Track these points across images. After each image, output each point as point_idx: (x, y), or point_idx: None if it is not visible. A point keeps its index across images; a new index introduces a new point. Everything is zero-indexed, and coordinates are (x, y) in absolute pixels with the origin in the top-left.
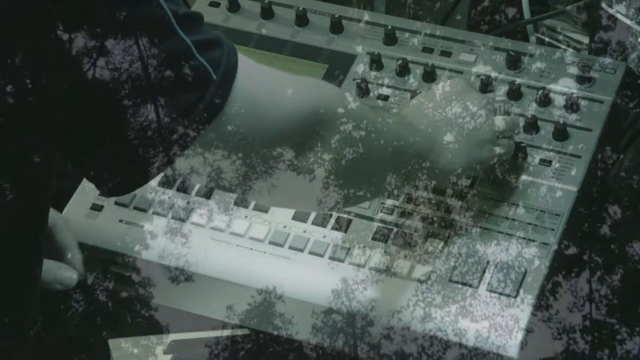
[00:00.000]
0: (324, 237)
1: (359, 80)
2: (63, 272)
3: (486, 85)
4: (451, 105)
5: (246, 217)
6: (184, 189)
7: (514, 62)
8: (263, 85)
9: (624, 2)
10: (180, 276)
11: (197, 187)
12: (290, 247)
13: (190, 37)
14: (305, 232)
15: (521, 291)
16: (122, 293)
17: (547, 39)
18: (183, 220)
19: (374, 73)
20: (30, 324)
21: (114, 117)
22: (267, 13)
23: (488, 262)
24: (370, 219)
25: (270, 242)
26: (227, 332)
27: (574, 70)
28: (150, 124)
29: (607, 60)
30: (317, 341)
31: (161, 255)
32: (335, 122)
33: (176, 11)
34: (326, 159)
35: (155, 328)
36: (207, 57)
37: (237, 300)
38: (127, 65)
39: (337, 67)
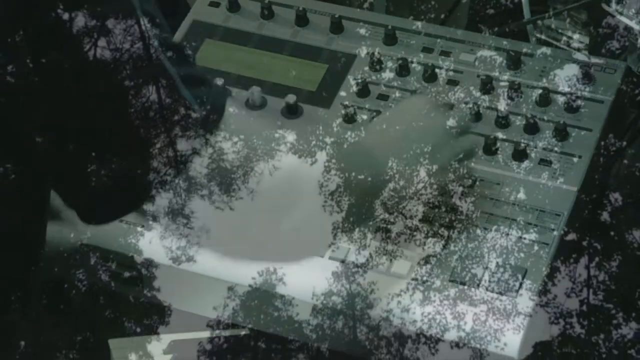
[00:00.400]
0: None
1: (359, 80)
2: None
3: (486, 85)
4: (408, 128)
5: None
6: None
7: (514, 62)
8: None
9: (624, 2)
10: (180, 275)
11: (197, 187)
12: None
13: (177, 70)
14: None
15: (521, 291)
16: (122, 292)
17: (547, 39)
18: (183, 220)
19: (374, 73)
20: (35, 301)
21: (93, 144)
22: (267, 13)
23: (488, 262)
24: (371, 218)
25: None
26: (226, 333)
27: (574, 70)
28: (129, 157)
29: (607, 60)
30: (317, 341)
31: (161, 254)
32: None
33: (165, 39)
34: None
35: (155, 328)
36: (193, 93)
37: (237, 300)
38: (111, 91)
39: (337, 67)
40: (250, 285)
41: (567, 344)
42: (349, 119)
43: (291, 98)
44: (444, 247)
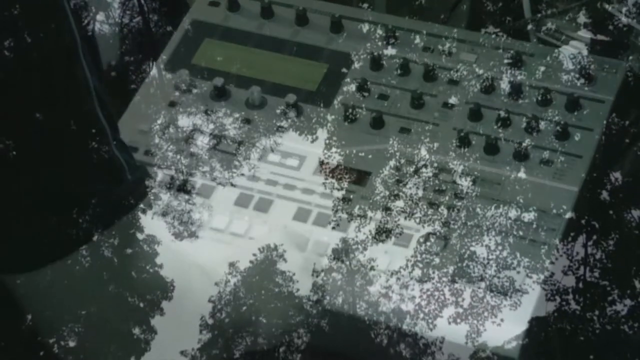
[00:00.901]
0: (325, 237)
1: (359, 80)
2: None
3: (487, 85)
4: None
5: (246, 217)
6: (184, 189)
7: (514, 62)
8: None
9: (625, 2)
10: (179, 274)
11: (197, 187)
12: None
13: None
14: (305, 232)
15: (522, 291)
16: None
17: (547, 39)
18: (183, 220)
19: (374, 73)
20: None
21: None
22: (267, 13)
23: (489, 262)
24: (371, 219)
25: None
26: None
27: (574, 70)
28: (56, 205)
29: (608, 60)
30: (318, 343)
31: (162, 254)
32: None
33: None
34: None
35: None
36: (123, 154)
37: (239, 276)
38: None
39: (337, 67)
40: (251, 262)
41: (568, 344)
42: (349, 119)
43: (291, 98)
44: (444, 247)
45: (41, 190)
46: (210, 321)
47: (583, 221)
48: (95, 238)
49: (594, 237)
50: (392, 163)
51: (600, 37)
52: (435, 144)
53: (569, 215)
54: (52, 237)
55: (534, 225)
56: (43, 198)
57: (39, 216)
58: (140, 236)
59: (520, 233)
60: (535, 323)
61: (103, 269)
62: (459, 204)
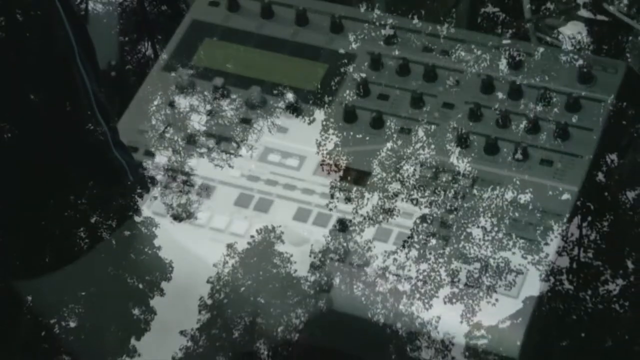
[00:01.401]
0: (324, 237)
1: (359, 80)
2: None
3: (486, 85)
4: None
5: (246, 217)
6: (183, 189)
7: (514, 62)
8: None
9: (625, 2)
10: (179, 276)
11: (196, 187)
12: None
13: (109, 131)
14: (305, 232)
15: (522, 292)
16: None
17: (547, 39)
18: (183, 220)
19: (374, 73)
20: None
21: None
22: (267, 13)
23: (489, 262)
24: (371, 219)
25: None
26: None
27: (574, 70)
28: (59, 211)
29: (608, 59)
30: (317, 342)
31: (161, 255)
32: None
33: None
34: None
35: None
36: (123, 155)
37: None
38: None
39: (337, 67)
40: (249, 243)
41: (568, 346)
42: (349, 119)
43: (291, 98)
44: (444, 247)
45: (42, 195)
46: (209, 302)
47: (583, 222)
48: (100, 240)
49: (595, 238)
50: (392, 163)
51: (600, 36)
52: (435, 144)
53: (568, 216)
54: (55, 242)
55: (534, 225)
56: (44, 203)
57: (40, 222)
58: (141, 235)
59: (520, 233)
60: (530, 303)
61: (103, 254)
62: (459, 204)
